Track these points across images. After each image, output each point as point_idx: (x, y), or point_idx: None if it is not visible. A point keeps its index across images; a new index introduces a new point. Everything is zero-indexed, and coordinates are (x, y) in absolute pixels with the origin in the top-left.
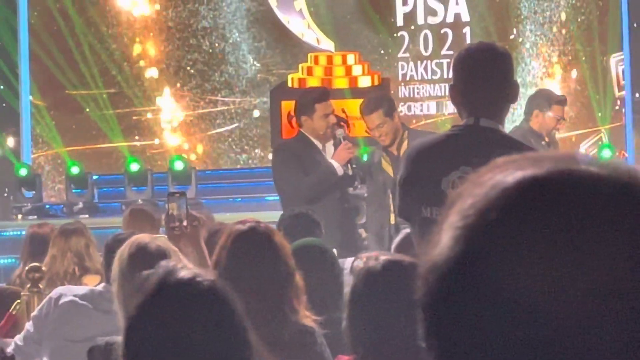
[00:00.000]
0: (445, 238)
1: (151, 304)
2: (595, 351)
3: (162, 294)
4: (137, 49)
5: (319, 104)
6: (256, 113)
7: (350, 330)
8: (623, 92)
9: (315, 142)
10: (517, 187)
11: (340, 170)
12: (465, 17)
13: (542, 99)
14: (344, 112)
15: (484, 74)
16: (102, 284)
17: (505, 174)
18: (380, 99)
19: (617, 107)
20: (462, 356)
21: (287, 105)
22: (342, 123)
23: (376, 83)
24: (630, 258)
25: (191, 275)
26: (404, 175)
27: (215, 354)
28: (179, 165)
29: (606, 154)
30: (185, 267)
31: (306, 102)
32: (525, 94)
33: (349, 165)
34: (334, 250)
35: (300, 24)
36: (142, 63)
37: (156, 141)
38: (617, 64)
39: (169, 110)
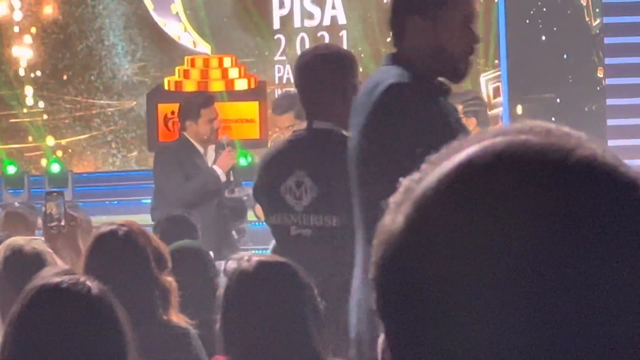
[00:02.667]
0: (398, 221)
1: (30, 312)
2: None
3: (41, 302)
4: (13, 52)
5: (204, 109)
6: (133, 116)
7: (224, 331)
8: (496, 110)
9: (197, 146)
10: (454, 173)
11: (223, 177)
12: (342, 20)
13: None
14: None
15: (316, 77)
16: None
17: (452, 157)
18: (292, 101)
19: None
20: (413, 333)
21: (164, 108)
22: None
23: (252, 86)
24: (561, 225)
25: (72, 282)
26: (254, 185)
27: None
28: (55, 168)
29: None
30: (65, 273)
31: (191, 106)
32: None
33: (231, 171)
34: (211, 253)
35: (177, 27)
36: (18, 66)
37: (33, 144)
38: (488, 82)
39: (46, 113)
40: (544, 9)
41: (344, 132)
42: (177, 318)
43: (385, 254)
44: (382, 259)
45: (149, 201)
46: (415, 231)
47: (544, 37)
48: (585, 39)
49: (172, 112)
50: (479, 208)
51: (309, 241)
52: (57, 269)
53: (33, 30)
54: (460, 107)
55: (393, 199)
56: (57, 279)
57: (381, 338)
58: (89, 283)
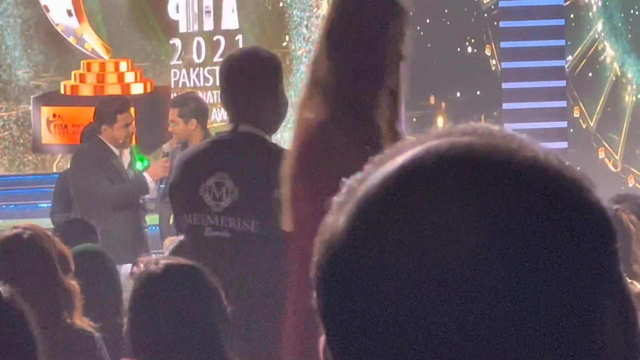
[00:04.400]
0: (340, 221)
1: None
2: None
3: None
4: None
5: (120, 114)
6: (29, 120)
7: (131, 334)
8: None
9: (113, 148)
10: (396, 174)
11: (152, 185)
12: (238, 24)
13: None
14: None
15: (242, 80)
16: None
17: (395, 158)
18: (185, 100)
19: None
20: (353, 333)
21: (47, 111)
22: None
23: (149, 90)
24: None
25: None
26: (171, 183)
27: None
28: None
29: None
30: None
31: (107, 111)
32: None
33: (159, 182)
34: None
35: (73, 31)
36: None
37: None
38: None
39: None
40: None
41: (268, 138)
42: (81, 322)
43: (326, 254)
44: (324, 259)
45: (46, 205)
46: (357, 232)
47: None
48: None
49: (54, 115)
50: (421, 210)
51: (224, 244)
52: None
53: None
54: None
55: (336, 199)
56: None
57: (322, 339)
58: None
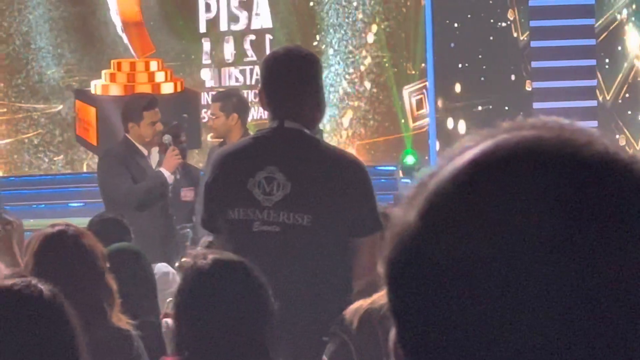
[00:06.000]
0: (411, 215)
1: None
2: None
3: None
4: None
5: (147, 111)
6: (59, 119)
7: (177, 330)
8: (420, 122)
9: (141, 147)
10: (467, 168)
11: (170, 179)
12: (268, 24)
13: None
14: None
15: (286, 77)
16: None
17: (465, 152)
18: (227, 95)
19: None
20: (424, 328)
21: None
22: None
23: (179, 89)
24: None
25: (23, 285)
26: (210, 180)
27: None
28: None
29: (410, 160)
30: (16, 276)
31: (134, 109)
32: (328, 99)
33: (177, 171)
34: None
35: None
36: None
37: None
38: (411, 95)
39: None
40: (469, 15)
41: (312, 134)
42: (119, 319)
43: (397, 248)
44: (394, 254)
45: (76, 204)
46: (428, 226)
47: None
48: (512, 49)
49: None
50: (491, 203)
51: (274, 238)
52: (8, 272)
53: None
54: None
55: (407, 193)
56: (8, 282)
57: (392, 333)
58: (40, 286)
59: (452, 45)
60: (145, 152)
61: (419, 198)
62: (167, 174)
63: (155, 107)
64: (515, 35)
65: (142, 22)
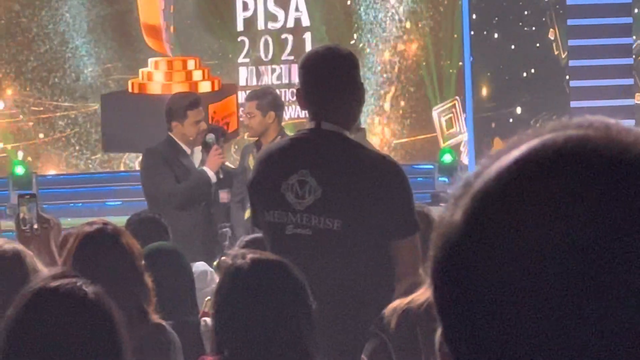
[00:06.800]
0: (457, 214)
1: (26, 315)
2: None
3: (38, 305)
4: None
5: (191, 110)
6: (96, 118)
7: (216, 329)
8: (451, 141)
9: (184, 146)
10: (513, 167)
11: (214, 178)
12: (306, 22)
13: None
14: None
15: (324, 77)
16: None
17: (511, 151)
18: (263, 93)
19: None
20: (469, 327)
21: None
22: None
23: (216, 88)
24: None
25: (69, 285)
26: (251, 179)
27: None
28: (19, 170)
29: (447, 158)
30: (62, 276)
31: (178, 108)
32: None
33: (220, 170)
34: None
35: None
36: None
37: None
38: (440, 115)
39: (10, 115)
40: (510, 17)
41: (349, 135)
42: (156, 318)
43: (443, 249)
44: (440, 253)
45: (113, 203)
46: (474, 226)
47: (510, 45)
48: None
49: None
50: (537, 203)
51: (306, 241)
52: (54, 271)
53: None
54: None
55: (452, 193)
56: (54, 282)
57: (438, 332)
58: (85, 286)
59: (489, 44)
60: (188, 151)
61: (465, 198)
62: (210, 173)
63: (199, 106)
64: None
65: (160, 26)
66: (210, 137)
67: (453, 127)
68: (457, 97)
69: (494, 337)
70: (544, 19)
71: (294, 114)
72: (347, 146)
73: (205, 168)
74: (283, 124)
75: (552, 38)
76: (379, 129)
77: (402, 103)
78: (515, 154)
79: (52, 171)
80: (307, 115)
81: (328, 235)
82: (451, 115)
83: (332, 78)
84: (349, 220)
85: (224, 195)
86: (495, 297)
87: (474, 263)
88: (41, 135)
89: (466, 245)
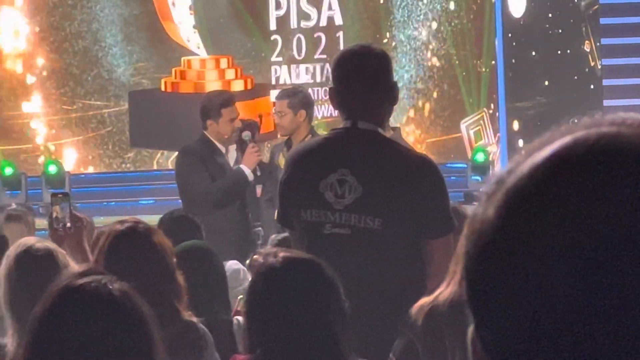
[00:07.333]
0: (490, 212)
1: (54, 313)
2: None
3: (65, 302)
4: (12, 53)
5: (225, 108)
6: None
7: (248, 328)
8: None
9: (219, 145)
10: (546, 164)
11: (251, 176)
12: (339, 21)
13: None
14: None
15: (360, 76)
16: None
17: (544, 148)
18: (294, 91)
19: (490, 111)
20: (502, 324)
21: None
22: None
23: (249, 87)
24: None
25: (96, 282)
26: (284, 179)
27: None
28: (52, 169)
29: (480, 157)
30: (90, 273)
31: (212, 106)
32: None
33: (257, 168)
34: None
35: (189, 29)
36: (16, 67)
37: (30, 145)
38: (468, 128)
39: (43, 114)
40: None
41: (385, 134)
42: (188, 316)
43: (476, 245)
44: (473, 250)
45: (146, 202)
46: (507, 222)
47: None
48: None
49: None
50: (570, 200)
51: (344, 240)
52: (82, 268)
53: (31, 31)
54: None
55: (485, 189)
56: (81, 280)
57: (471, 328)
58: (113, 283)
59: (521, 42)
60: (223, 149)
61: (498, 194)
62: (247, 170)
63: (234, 104)
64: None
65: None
66: (247, 134)
67: (482, 139)
68: (485, 109)
69: (525, 334)
70: (575, 20)
71: (326, 113)
72: (386, 145)
73: (242, 166)
74: (314, 122)
75: (588, 50)
76: (411, 127)
77: (435, 102)
78: (548, 150)
79: (85, 170)
80: (340, 114)
81: (368, 234)
82: (479, 127)
83: (366, 77)
84: (389, 219)
85: (259, 191)
86: (529, 293)
87: (508, 259)
88: (74, 134)
89: (500, 242)
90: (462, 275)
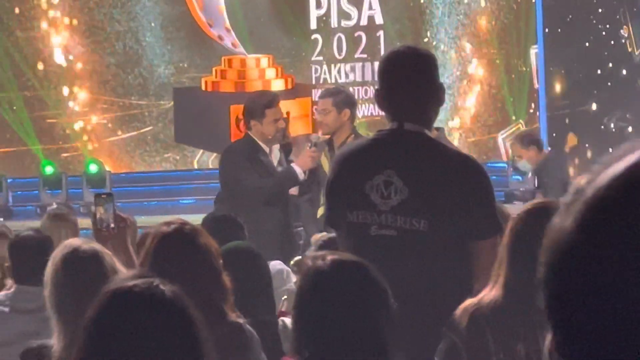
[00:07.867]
0: (568, 221)
1: (104, 316)
2: None
3: (115, 306)
4: (52, 52)
5: (269, 109)
6: (170, 116)
7: (296, 331)
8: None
9: (263, 145)
10: (626, 174)
11: (301, 176)
12: (379, 20)
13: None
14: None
15: (406, 78)
16: (14, 286)
17: (624, 158)
18: (337, 90)
19: (531, 110)
20: (581, 333)
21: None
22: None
23: (289, 86)
24: None
25: (145, 285)
26: (330, 180)
27: None
28: (93, 168)
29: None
30: (139, 276)
31: (256, 107)
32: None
33: (306, 172)
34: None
35: (222, 27)
36: (57, 67)
37: (71, 144)
38: (506, 140)
39: (83, 113)
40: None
41: (431, 135)
42: (234, 317)
43: (554, 255)
44: (552, 259)
45: (187, 201)
46: (586, 232)
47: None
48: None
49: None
50: None
51: (391, 242)
52: (133, 272)
53: (72, 31)
54: None
55: (564, 200)
56: (130, 283)
57: (548, 338)
58: (162, 286)
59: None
60: (267, 149)
61: (577, 204)
62: (298, 170)
63: (278, 105)
64: (630, 50)
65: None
66: (315, 136)
67: (539, 82)
68: (521, 121)
69: (607, 344)
70: (617, 17)
71: (367, 112)
72: (432, 146)
73: (294, 165)
74: (357, 122)
75: (626, 35)
76: (453, 127)
77: (476, 101)
78: (627, 161)
79: (125, 169)
80: (386, 115)
81: (414, 235)
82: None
83: (414, 79)
84: (435, 221)
85: (293, 190)
86: (608, 303)
87: (587, 269)
88: (115, 134)
89: (579, 251)
90: (540, 286)
